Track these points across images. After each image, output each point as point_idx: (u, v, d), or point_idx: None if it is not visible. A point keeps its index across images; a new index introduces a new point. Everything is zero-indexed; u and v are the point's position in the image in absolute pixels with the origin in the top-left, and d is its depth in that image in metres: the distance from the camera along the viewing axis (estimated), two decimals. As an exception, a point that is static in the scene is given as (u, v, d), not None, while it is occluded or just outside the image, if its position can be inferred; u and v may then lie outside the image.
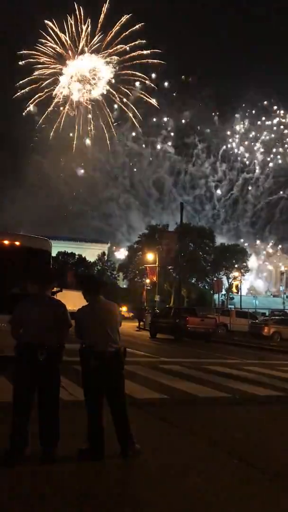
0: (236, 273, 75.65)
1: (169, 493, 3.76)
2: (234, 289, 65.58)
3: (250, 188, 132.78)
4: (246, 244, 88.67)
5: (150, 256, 54.49)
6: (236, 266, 79.12)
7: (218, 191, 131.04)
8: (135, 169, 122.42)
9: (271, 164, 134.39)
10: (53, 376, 4.41)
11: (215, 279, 64.14)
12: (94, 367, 4.43)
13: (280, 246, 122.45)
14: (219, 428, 6.06)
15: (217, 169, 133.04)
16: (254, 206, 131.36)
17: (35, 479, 3.95)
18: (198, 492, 3.84)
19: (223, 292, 65.39)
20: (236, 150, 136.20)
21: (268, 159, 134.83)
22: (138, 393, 7.39)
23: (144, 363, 11.93)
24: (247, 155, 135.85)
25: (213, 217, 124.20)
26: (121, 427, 4.53)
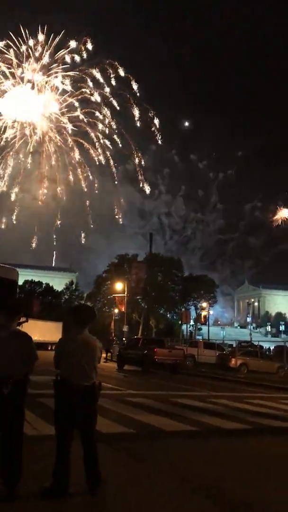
0: (204, 304, 76.35)
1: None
2: (202, 319, 65.98)
3: (201, 227, 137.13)
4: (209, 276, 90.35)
5: (119, 286, 54.38)
6: (204, 296, 79.95)
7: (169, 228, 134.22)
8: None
9: (220, 206, 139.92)
10: (17, 410, 4.32)
11: (183, 309, 64.45)
12: (68, 401, 4.37)
13: (246, 278, 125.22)
14: (185, 462, 6.00)
15: (173, 208, 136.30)
16: (205, 243, 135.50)
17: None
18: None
19: (191, 322, 65.70)
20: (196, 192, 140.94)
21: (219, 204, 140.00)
22: (104, 427, 7.25)
23: (110, 395, 11.75)
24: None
25: (164, 249, 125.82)
26: (91, 463, 4.44)
